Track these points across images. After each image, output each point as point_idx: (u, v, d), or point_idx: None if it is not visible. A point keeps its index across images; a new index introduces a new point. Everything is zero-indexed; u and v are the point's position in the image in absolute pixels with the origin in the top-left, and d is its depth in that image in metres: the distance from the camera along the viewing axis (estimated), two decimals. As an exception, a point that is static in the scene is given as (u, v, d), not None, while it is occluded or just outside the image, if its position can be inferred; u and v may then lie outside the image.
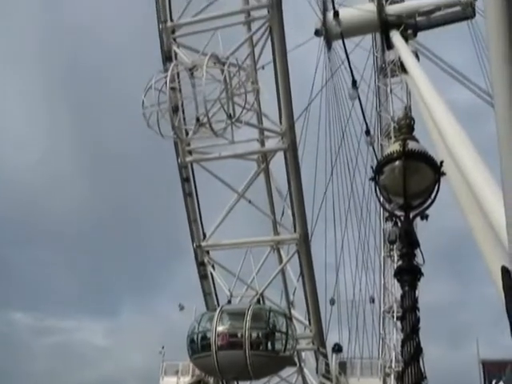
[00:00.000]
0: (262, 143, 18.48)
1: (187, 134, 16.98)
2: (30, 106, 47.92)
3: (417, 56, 25.42)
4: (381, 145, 32.38)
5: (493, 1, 5.48)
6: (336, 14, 25.27)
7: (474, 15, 24.75)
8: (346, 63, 24.49)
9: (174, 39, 18.20)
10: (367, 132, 26.05)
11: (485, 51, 22.23)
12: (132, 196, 46.55)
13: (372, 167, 8.49)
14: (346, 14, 25.66)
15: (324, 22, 26.27)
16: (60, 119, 47.96)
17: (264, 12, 17.23)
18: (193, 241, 19.45)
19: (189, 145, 18.44)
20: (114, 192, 48.07)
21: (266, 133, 18.13)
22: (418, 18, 25.94)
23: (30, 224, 48.17)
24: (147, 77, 15.78)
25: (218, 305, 20.02)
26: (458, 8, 24.95)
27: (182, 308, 21.00)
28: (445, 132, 16.91)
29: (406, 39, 26.00)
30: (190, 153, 18.70)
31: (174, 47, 18.01)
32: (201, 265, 19.59)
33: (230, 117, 15.47)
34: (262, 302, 18.85)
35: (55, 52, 47.17)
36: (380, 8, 26.47)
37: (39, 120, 48.53)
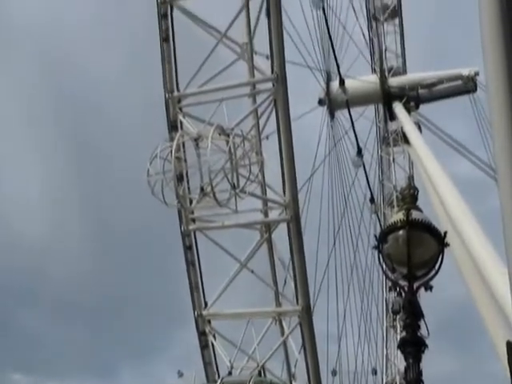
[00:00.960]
0: (266, 214, 18.54)
1: (191, 202, 17.05)
2: (43, 179, 48.52)
3: (419, 127, 25.80)
4: (384, 213, 32.42)
5: (494, 78, 5.59)
6: (342, 82, 25.76)
7: (476, 89, 25.20)
8: (350, 132, 24.88)
9: (180, 109, 18.48)
10: (371, 200, 26.16)
11: (486, 125, 22.56)
12: (132, 266, 46.53)
13: (375, 236, 8.51)
14: (349, 84, 26.14)
15: (327, 91, 26.72)
16: (68, 192, 48.43)
17: (269, 85, 17.53)
18: (194, 309, 19.33)
19: (192, 213, 18.51)
20: (116, 263, 48.05)
21: (269, 203, 18.22)
22: (421, 91, 26.42)
23: (34, 290, 48.08)
24: (151, 148, 15.98)
25: (219, 375, 19.76)
26: (459, 82, 25.46)
27: (180, 375, 20.67)
28: (448, 203, 17.00)
29: (409, 111, 26.45)
30: (194, 221, 18.75)
31: (180, 117, 18.29)
32: (202, 334, 19.42)
33: (233, 187, 15.59)
34: (263, 374, 18.65)
35: (61, 128, 47.86)
36: (383, 80, 27.00)
37: (49, 191, 48.94)
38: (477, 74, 24.81)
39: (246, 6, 17.72)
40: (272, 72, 17.44)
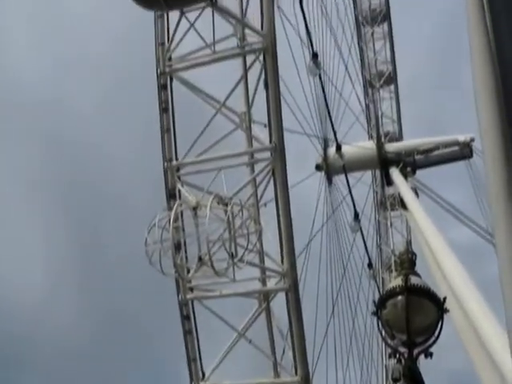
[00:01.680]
0: (264, 282, 18.47)
1: (188, 271, 17.01)
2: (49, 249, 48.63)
3: (416, 193, 25.93)
4: (382, 278, 32.31)
5: (490, 145, 5.66)
6: (339, 148, 26.04)
7: (472, 155, 25.45)
8: (348, 197, 25.02)
9: (179, 177, 18.61)
10: (369, 265, 26.11)
11: (483, 190, 22.70)
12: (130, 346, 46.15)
13: (374, 302, 8.46)
14: (346, 150, 26.41)
15: (325, 157, 26.96)
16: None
17: (267, 154, 17.71)
18: (191, 380, 19.05)
19: (190, 282, 18.43)
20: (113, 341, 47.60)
21: (267, 272, 18.18)
22: (417, 157, 26.67)
23: (30, 347, 47.45)
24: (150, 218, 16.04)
25: None
26: (455, 148, 25.74)
27: None
28: (446, 269, 16.98)
29: (406, 176, 26.63)
30: (192, 290, 18.66)
31: (179, 185, 18.39)
32: (200, 407, 19.12)
33: (231, 257, 15.59)
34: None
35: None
36: (379, 146, 27.27)
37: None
38: (472, 140, 25.10)
39: (245, 76, 18.03)
40: (270, 142, 17.63)
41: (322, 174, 27.08)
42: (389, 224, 33.10)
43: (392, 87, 32.66)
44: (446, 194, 25.84)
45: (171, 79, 18.75)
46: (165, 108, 18.62)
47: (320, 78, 22.57)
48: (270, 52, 17.43)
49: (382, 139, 29.14)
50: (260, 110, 18.71)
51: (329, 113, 24.31)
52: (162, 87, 18.51)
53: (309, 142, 24.79)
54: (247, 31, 17.81)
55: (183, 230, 16.79)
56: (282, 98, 18.57)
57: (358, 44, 32.59)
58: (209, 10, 17.63)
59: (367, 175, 30.29)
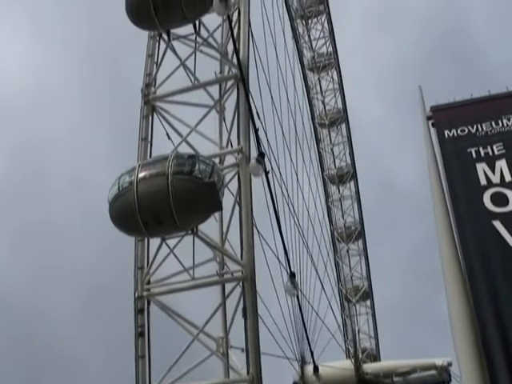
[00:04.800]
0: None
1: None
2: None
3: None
4: None
5: (467, 370, 5.59)
6: (316, 369, 25.61)
7: (450, 380, 25.10)
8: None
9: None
10: None
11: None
12: None
13: None
14: (324, 371, 25.93)
15: (302, 376, 26.41)
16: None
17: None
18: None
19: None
20: None
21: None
22: (395, 378, 26.20)
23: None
24: None
25: None
26: (434, 372, 25.36)
27: None
28: None
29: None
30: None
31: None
32: None
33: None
34: None
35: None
36: (357, 366, 26.83)
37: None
38: (450, 364, 24.82)
39: (223, 304, 18.10)
40: (248, 373, 17.27)
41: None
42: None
43: (368, 302, 32.90)
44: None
45: (148, 302, 18.70)
46: (141, 332, 18.36)
47: (297, 298, 22.72)
48: (249, 281, 17.60)
49: (360, 356, 28.77)
50: (238, 333, 18.57)
51: (306, 332, 24.20)
52: (139, 311, 18.39)
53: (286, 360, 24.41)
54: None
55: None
56: (260, 319, 18.51)
57: (334, 259, 33.20)
58: (189, 237, 18.06)
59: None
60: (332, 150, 38.71)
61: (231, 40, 18.09)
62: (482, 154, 20.09)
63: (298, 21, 37.69)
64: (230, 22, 17.29)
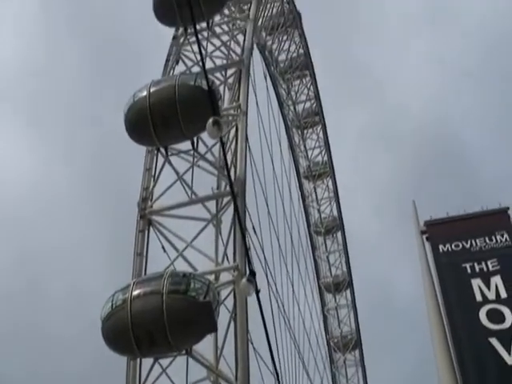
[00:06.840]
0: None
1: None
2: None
3: None
4: None
5: None
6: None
7: None
8: None
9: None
10: None
11: None
12: None
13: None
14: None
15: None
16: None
17: None
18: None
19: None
20: None
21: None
22: None
23: None
24: None
25: None
26: None
27: None
28: None
29: None
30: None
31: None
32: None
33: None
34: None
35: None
36: None
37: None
38: None
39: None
40: None
41: None
42: None
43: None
44: None
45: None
46: None
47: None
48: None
49: None
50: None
51: None
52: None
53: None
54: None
55: None
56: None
57: (331, 371, 32.61)
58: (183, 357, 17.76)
59: None
60: (328, 257, 38.74)
61: (228, 158, 18.44)
62: (477, 269, 20.23)
63: (294, 130, 38.57)
64: (223, 143, 17.63)
